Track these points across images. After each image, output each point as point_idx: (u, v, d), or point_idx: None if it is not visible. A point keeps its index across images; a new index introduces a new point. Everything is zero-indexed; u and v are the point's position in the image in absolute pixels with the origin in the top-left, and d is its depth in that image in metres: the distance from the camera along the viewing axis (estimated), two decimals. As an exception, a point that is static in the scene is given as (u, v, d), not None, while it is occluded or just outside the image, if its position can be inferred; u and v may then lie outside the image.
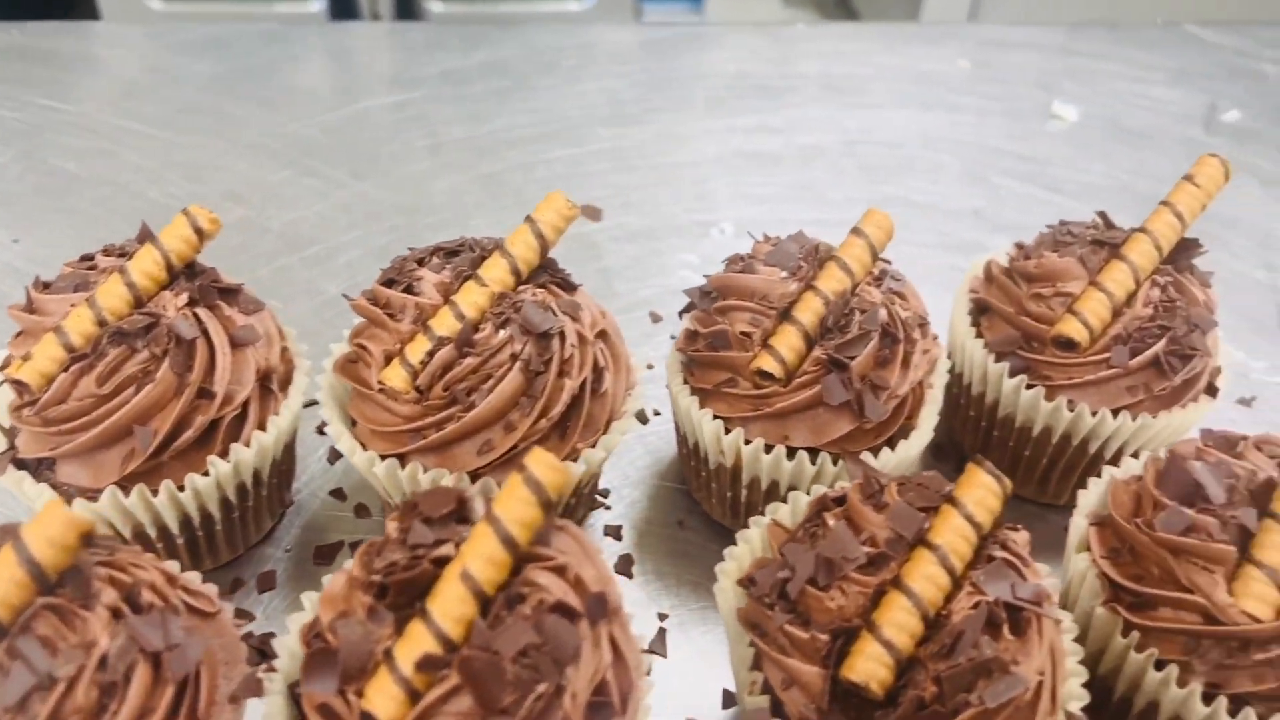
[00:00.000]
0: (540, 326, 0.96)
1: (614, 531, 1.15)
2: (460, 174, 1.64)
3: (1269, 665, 0.83)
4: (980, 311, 1.18)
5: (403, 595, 0.75)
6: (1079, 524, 0.97)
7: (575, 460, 0.99)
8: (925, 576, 0.80)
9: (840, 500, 0.89)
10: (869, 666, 0.78)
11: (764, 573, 0.85)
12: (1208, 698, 0.86)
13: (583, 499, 1.10)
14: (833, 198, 1.63)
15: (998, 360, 1.12)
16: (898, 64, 1.96)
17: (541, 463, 0.77)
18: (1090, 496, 0.99)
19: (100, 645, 0.71)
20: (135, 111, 1.72)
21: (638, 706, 0.81)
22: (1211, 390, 1.11)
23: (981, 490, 0.84)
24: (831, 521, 0.86)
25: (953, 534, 0.82)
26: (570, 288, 1.04)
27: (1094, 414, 1.07)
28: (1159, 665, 0.87)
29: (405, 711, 0.72)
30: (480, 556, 0.75)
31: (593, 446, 1.01)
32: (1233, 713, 0.85)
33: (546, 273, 1.04)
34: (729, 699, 0.99)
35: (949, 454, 1.26)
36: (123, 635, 0.72)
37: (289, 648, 0.82)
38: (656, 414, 1.27)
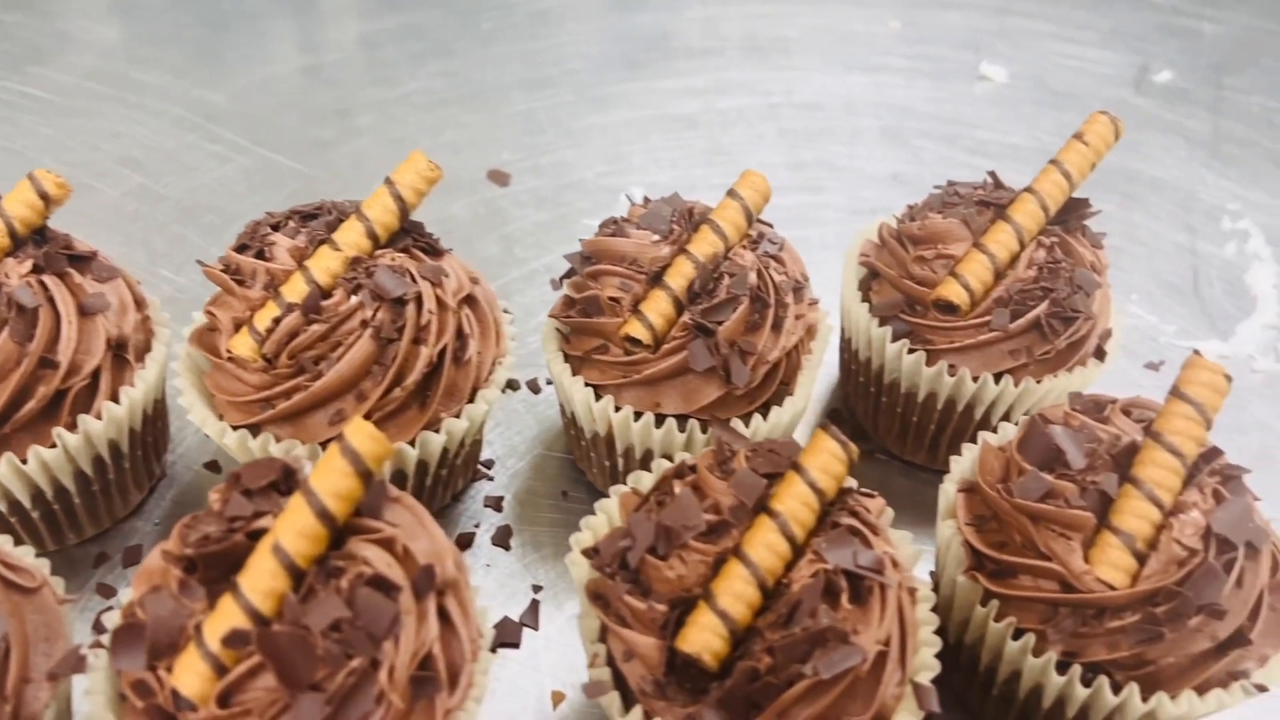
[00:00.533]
0: (393, 292, 0.93)
1: (494, 503, 1.12)
2: (366, 139, 1.60)
3: (1122, 633, 0.81)
4: (872, 276, 1.15)
5: (215, 569, 0.73)
6: (947, 490, 0.95)
7: (437, 430, 0.97)
8: (765, 544, 0.78)
9: (695, 468, 0.87)
10: (703, 637, 0.76)
11: (607, 543, 0.83)
12: (1063, 667, 0.84)
13: (457, 470, 1.07)
14: (747, 162, 1.58)
15: (881, 324, 1.10)
16: (825, 25, 1.92)
17: (360, 432, 0.74)
18: (963, 463, 0.97)
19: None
20: (37, 77, 1.68)
21: (471, 680, 0.79)
22: (1099, 354, 1.08)
23: (826, 456, 0.82)
24: (678, 489, 0.83)
25: (795, 501, 0.80)
26: (436, 252, 1.02)
27: (975, 379, 1.05)
28: (1018, 634, 0.86)
29: (212, 688, 0.70)
30: (292, 529, 0.72)
31: (456, 416, 0.98)
32: (1087, 682, 0.83)
33: (410, 236, 1.01)
34: (594, 671, 0.98)
35: (845, 420, 1.24)
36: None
37: (114, 623, 0.80)
38: (548, 383, 1.25)
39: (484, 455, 1.17)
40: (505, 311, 1.07)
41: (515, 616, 1.03)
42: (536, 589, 1.05)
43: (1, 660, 0.73)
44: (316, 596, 0.72)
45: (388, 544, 0.76)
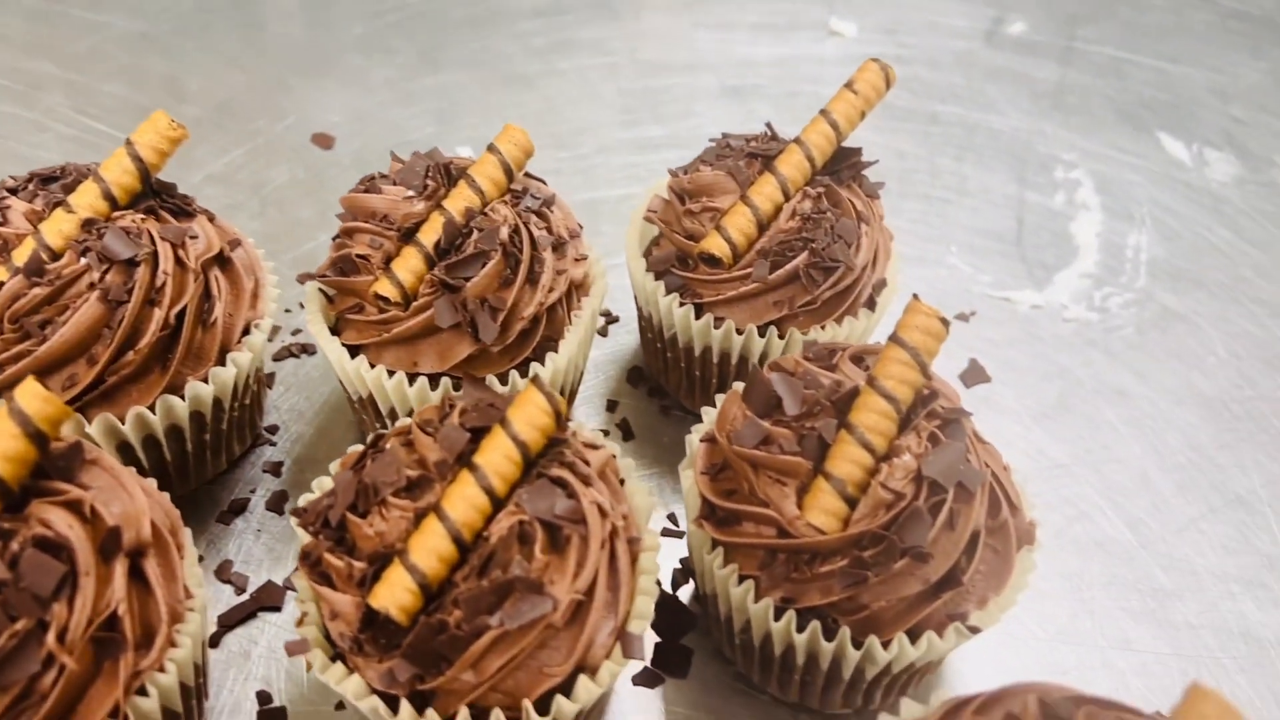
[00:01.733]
0: (121, 254, 0.91)
1: (273, 468, 1.12)
2: (194, 106, 1.57)
3: (833, 577, 0.81)
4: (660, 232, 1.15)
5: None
6: (692, 441, 0.95)
7: (180, 395, 0.96)
8: (463, 498, 0.78)
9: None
10: (392, 593, 0.75)
11: (313, 502, 0.83)
12: (780, 612, 0.84)
13: (228, 435, 1.06)
14: (583, 123, 1.58)
15: (657, 279, 1.09)
16: (678, -19, 1.91)
17: (28, 393, 0.73)
18: (711, 413, 0.97)
19: None
20: None
21: (171, 641, 0.79)
22: (870, 304, 1.08)
23: (531, 409, 0.81)
24: (389, 445, 0.83)
25: (497, 454, 0.79)
26: (186, 214, 1.00)
27: (740, 331, 1.04)
28: (742, 581, 0.86)
29: None
30: (-45, 492, 0.71)
31: (203, 380, 0.97)
32: (802, 627, 0.84)
33: (158, 198, 0.99)
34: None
35: (646, 378, 1.24)
36: None
37: None
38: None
39: (270, 420, 1.16)
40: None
41: (280, 581, 1.02)
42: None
43: None
44: (-22, 561, 0.71)
45: (73, 506, 0.76)
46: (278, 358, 1.22)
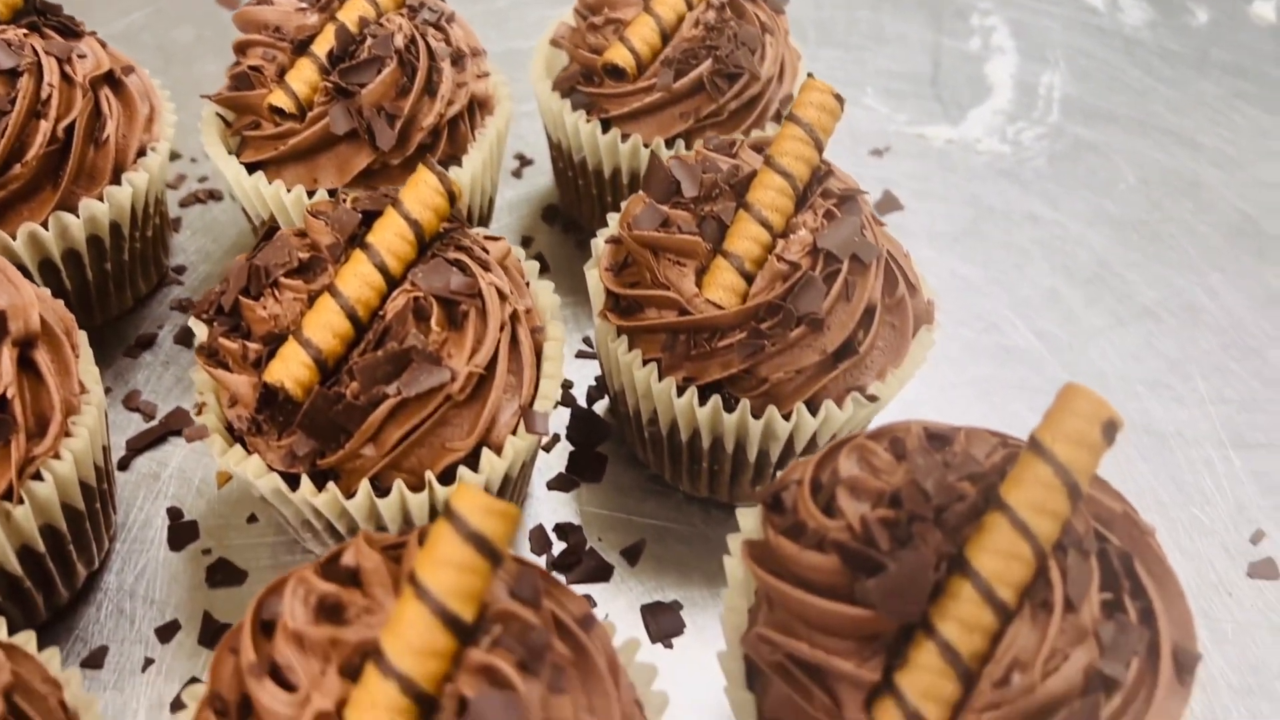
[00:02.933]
0: (2, 64, 0.89)
1: (181, 305, 1.10)
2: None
3: (732, 351, 0.82)
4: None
5: None
6: (597, 244, 0.95)
7: (74, 212, 0.94)
8: (356, 275, 0.77)
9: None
10: (286, 367, 0.75)
11: (207, 295, 0.82)
12: (682, 391, 0.85)
13: (128, 269, 1.04)
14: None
15: (563, 98, 1.08)
16: None
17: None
18: (616, 216, 0.96)
19: None
20: None
21: (65, 431, 0.78)
22: (778, 117, 1.08)
23: (424, 189, 0.80)
24: (281, 233, 0.82)
25: (389, 233, 0.79)
26: (72, 34, 0.97)
27: (647, 145, 1.04)
28: (646, 364, 0.86)
29: None
30: None
31: (99, 199, 0.95)
32: (704, 402, 0.84)
33: (40, 16, 0.96)
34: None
35: (560, 214, 1.24)
36: None
37: None
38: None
39: (177, 262, 1.14)
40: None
41: (187, 407, 1.01)
42: (213, 381, 1.03)
43: None
44: None
45: (-45, 293, 0.74)
46: (184, 204, 1.20)
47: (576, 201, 1.18)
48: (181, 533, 0.92)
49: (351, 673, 0.55)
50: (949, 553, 0.60)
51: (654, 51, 1.03)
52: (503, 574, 0.60)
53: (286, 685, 0.55)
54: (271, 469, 0.77)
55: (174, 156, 1.24)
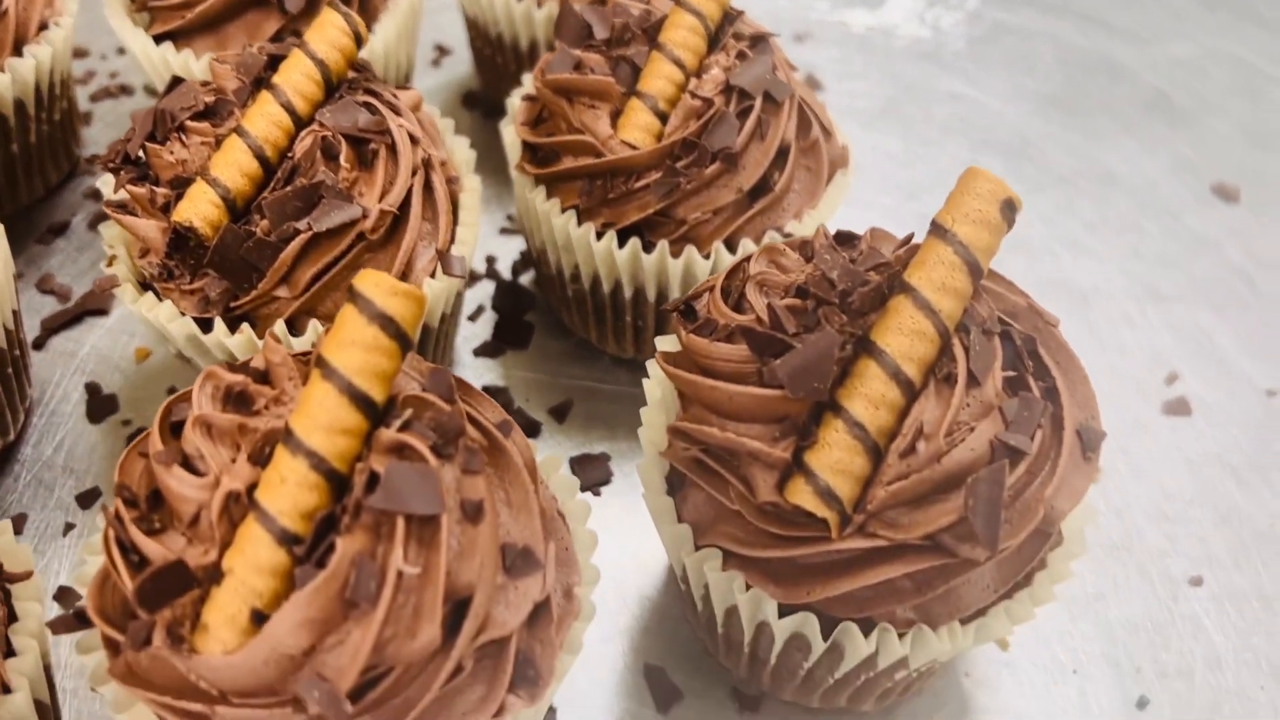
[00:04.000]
0: (-111, -76, 0.86)
1: (94, 194, 1.08)
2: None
3: (649, 191, 0.82)
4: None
5: None
6: (512, 101, 0.94)
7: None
8: (263, 115, 0.76)
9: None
10: (195, 206, 0.74)
11: (113, 144, 0.80)
12: (600, 236, 0.85)
13: (37, 154, 1.02)
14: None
15: (476, -28, 1.08)
16: None
17: None
18: (526, 84, 0.96)
19: None
20: None
21: None
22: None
23: (330, 29, 0.80)
24: (191, 81, 0.80)
25: (295, 73, 0.78)
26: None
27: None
28: (565, 213, 0.86)
29: None
30: None
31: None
32: (622, 244, 0.84)
33: (-70, -114, 0.93)
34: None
35: (480, 102, 1.23)
36: None
37: None
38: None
39: (90, 152, 1.12)
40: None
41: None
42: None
43: None
44: None
45: None
46: (95, 98, 1.18)
47: (496, 81, 1.17)
48: (101, 405, 0.91)
49: (261, 460, 0.55)
50: (854, 334, 0.61)
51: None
52: (415, 373, 0.60)
53: (196, 472, 0.55)
54: (184, 315, 0.77)
55: (81, 54, 1.21)
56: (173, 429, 0.58)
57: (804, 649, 0.68)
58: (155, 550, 0.53)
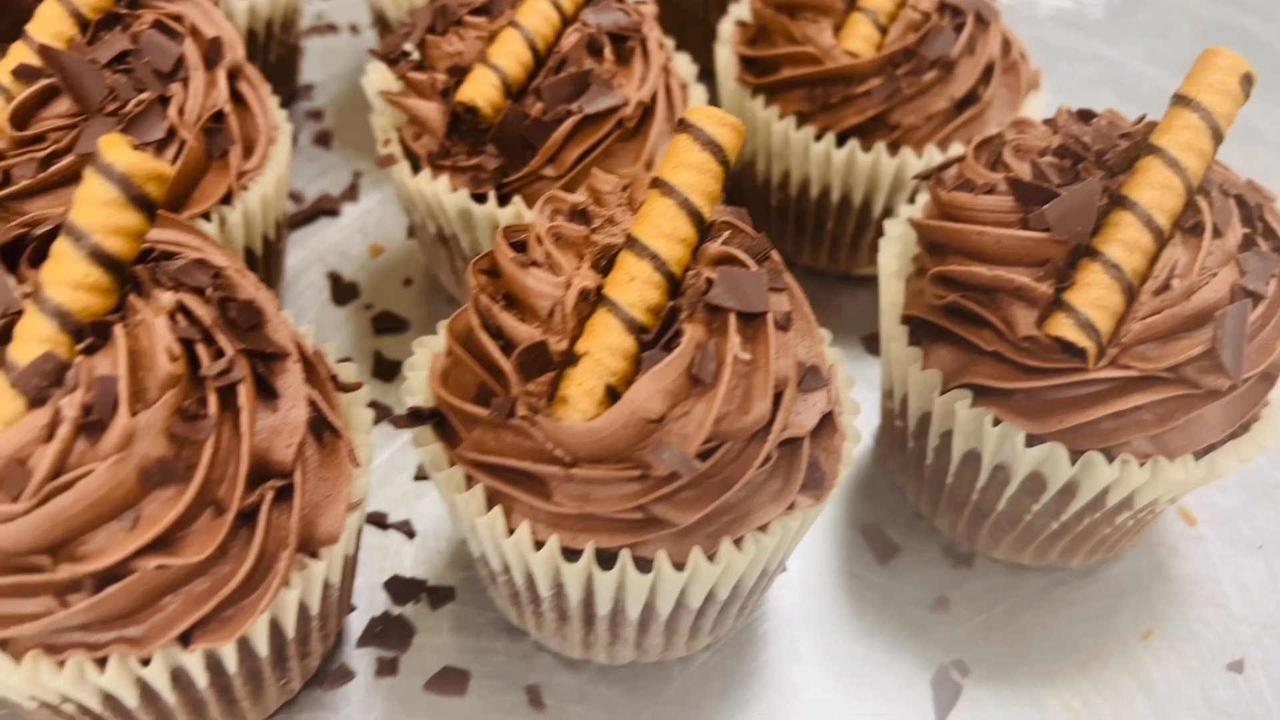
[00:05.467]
0: None
1: (313, 113, 1.17)
2: None
3: (868, 97, 0.90)
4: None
5: (2, 23, 0.77)
6: (723, 29, 1.03)
7: None
8: (535, 11, 0.84)
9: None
10: (478, 88, 0.82)
11: (389, 38, 0.89)
12: (819, 139, 0.92)
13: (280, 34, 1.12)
14: None
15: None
16: None
17: (134, -107, 0.79)
18: (739, 8, 1.04)
19: None
20: None
21: (267, 156, 0.85)
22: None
23: (590, -59, 0.88)
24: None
25: (559, -21, 0.86)
26: None
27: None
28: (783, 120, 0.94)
29: (2, 118, 0.74)
30: (74, -22, 0.77)
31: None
32: (840, 145, 0.92)
33: None
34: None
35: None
36: None
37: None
38: None
39: (305, 80, 1.21)
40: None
41: (336, 192, 1.09)
42: (358, 175, 1.11)
43: None
44: (102, 39, 0.77)
45: (176, 18, 0.81)
46: (304, 35, 1.27)
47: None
48: (344, 291, 0.99)
49: (600, 269, 0.63)
50: (1109, 188, 0.68)
51: None
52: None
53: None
54: (455, 190, 0.85)
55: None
56: (513, 248, 0.66)
57: (1035, 492, 0.74)
58: (524, 332, 0.61)
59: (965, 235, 0.70)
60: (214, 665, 0.62)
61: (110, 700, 0.61)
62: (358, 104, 1.19)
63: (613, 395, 0.59)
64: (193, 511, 0.56)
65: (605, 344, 0.59)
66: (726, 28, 1.02)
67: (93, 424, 0.53)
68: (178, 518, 0.55)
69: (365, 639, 0.76)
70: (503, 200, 0.84)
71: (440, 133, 0.84)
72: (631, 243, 0.61)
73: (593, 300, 0.61)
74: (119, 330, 0.55)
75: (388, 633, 0.76)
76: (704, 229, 0.63)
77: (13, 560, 0.55)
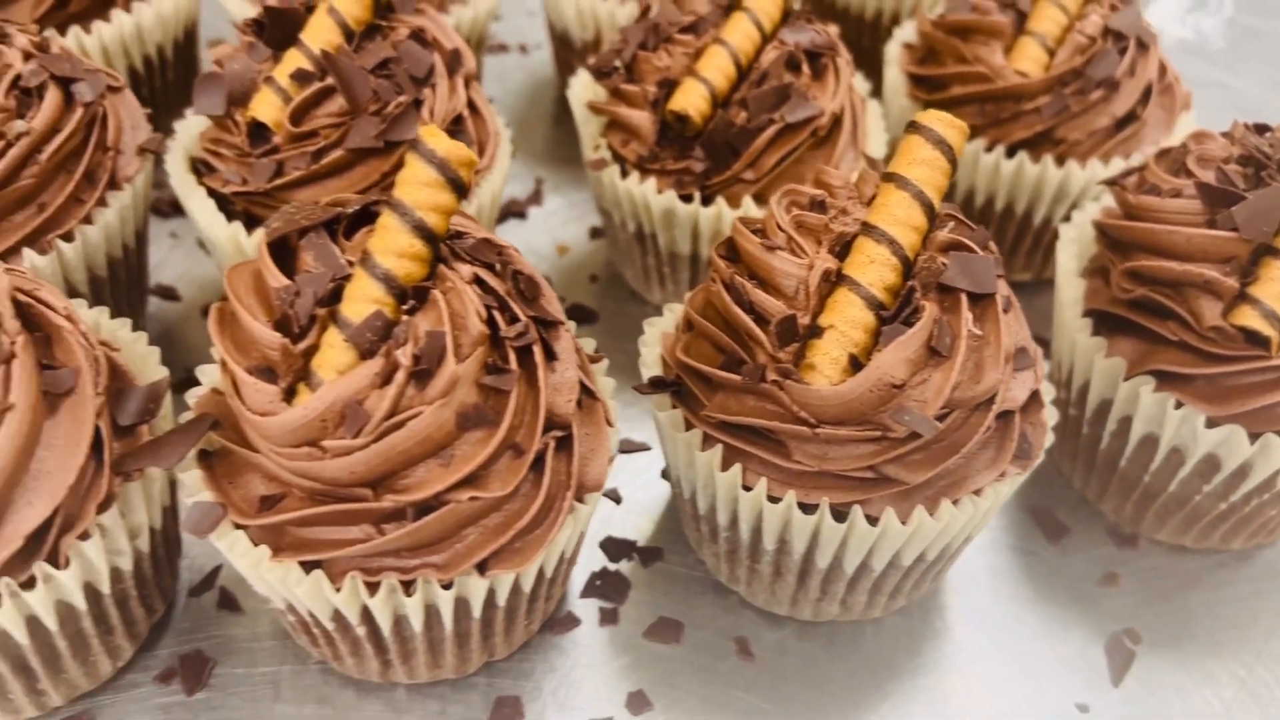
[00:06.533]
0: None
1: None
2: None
3: (1037, 113, 0.97)
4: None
5: (280, 31, 0.87)
6: (890, 50, 1.11)
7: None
8: (739, 32, 0.93)
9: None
10: (689, 98, 0.90)
11: (602, 53, 0.98)
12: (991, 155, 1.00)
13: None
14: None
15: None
16: None
17: (394, -80, 0.88)
18: (903, 33, 1.12)
19: (15, 67, 0.82)
20: None
21: (495, 155, 0.94)
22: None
23: (786, -24, 0.97)
24: (655, 7, 0.98)
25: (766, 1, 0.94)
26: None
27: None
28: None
29: (284, 116, 0.84)
30: (343, -3, 0.86)
31: (463, 7, 1.12)
32: (1010, 156, 0.99)
33: None
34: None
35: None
36: (35, 62, 0.83)
37: (188, 129, 0.94)
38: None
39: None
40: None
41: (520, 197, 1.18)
42: (540, 181, 1.20)
43: (101, 121, 0.86)
44: (366, 48, 0.86)
45: (419, 30, 0.91)
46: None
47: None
48: (536, 285, 1.08)
49: (837, 254, 0.70)
50: (1292, 194, 0.75)
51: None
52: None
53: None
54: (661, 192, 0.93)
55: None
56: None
57: (1207, 474, 0.81)
58: (775, 306, 0.69)
59: (1155, 234, 0.77)
60: (490, 596, 0.70)
61: (392, 623, 0.69)
62: (533, 117, 1.29)
63: (854, 364, 0.67)
64: (498, 453, 0.64)
65: (849, 318, 0.67)
66: (893, 49, 1.10)
67: (422, 372, 0.62)
68: (488, 457, 0.63)
69: (587, 591, 0.84)
70: (705, 200, 0.93)
71: (651, 139, 0.93)
72: (869, 229, 0.69)
73: (832, 280, 0.69)
74: (437, 294, 0.64)
75: (606, 586, 0.84)
76: (935, 218, 0.71)
77: (338, 491, 0.64)
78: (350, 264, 0.66)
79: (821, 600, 0.79)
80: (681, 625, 0.82)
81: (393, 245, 0.64)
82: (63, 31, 1.04)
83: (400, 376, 0.61)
